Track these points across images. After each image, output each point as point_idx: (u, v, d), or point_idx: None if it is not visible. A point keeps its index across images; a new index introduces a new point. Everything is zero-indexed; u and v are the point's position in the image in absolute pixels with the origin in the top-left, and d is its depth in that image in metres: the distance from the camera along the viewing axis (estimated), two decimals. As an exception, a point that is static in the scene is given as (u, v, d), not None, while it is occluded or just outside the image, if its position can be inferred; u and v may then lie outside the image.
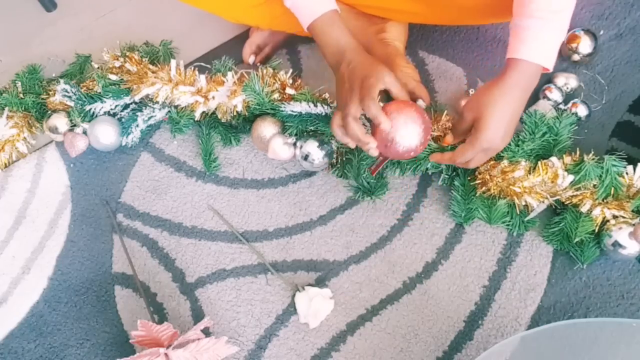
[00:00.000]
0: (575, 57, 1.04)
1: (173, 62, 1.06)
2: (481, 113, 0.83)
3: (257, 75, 1.01)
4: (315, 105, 0.97)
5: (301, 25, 0.92)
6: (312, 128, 0.99)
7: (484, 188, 0.93)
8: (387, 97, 0.87)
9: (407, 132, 0.83)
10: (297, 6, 0.91)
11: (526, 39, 0.82)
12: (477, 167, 0.92)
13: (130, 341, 0.89)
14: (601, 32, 1.08)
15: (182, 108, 1.05)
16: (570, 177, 0.88)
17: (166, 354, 0.86)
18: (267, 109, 1.01)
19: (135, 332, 0.87)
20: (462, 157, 0.86)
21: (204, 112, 1.05)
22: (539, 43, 0.82)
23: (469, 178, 0.94)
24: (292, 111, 0.98)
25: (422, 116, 0.85)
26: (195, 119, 1.05)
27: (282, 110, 0.99)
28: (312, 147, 0.97)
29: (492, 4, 0.94)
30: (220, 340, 0.88)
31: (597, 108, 1.02)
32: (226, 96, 1.02)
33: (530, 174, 0.90)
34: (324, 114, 0.97)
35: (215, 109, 1.04)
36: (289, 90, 1.01)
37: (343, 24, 0.91)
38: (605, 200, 0.89)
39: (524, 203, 0.91)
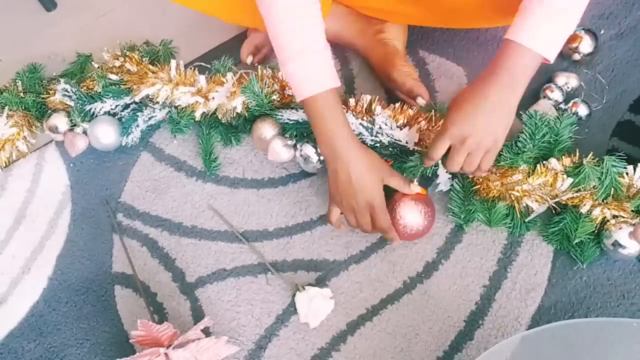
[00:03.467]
0: (576, 57, 1.04)
1: (173, 63, 1.06)
2: (462, 110, 0.80)
3: (256, 76, 1.00)
4: None
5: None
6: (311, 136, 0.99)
7: (483, 192, 0.93)
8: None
9: (413, 219, 0.90)
10: (294, 76, 0.83)
11: (531, 25, 0.78)
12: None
13: (130, 341, 0.89)
14: (602, 32, 1.08)
15: (182, 108, 1.05)
16: (570, 180, 0.88)
17: (166, 354, 0.86)
18: (267, 110, 1.01)
19: (135, 332, 0.87)
20: (433, 149, 0.83)
21: (204, 112, 1.05)
22: (543, 30, 0.78)
23: (467, 180, 0.94)
24: (289, 119, 0.98)
25: (423, 202, 0.91)
26: (196, 120, 1.05)
27: (280, 118, 0.99)
28: (311, 150, 0.97)
29: (490, 8, 0.93)
30: (220, 340, 0.88)
31: (598, 107, 1.02)
32: (226, 97, 1.02)
33: (529, 177, 0.90)
34: None
35: (216, 109, 1.04)
36: (289, 91, 1.01)
37: (340, 106, 0.84)
38: (605, 201, 0.88)
39: (524, 205, 0.91)
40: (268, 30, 0.84)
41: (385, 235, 0.90)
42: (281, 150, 0.99)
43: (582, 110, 0.99)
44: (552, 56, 0.80)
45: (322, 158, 0.97)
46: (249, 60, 1.11)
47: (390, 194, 0.90)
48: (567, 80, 1.02)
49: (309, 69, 0.82)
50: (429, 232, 0.93)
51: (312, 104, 0.83)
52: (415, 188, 0.90)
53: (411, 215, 0.90)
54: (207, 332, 0.92)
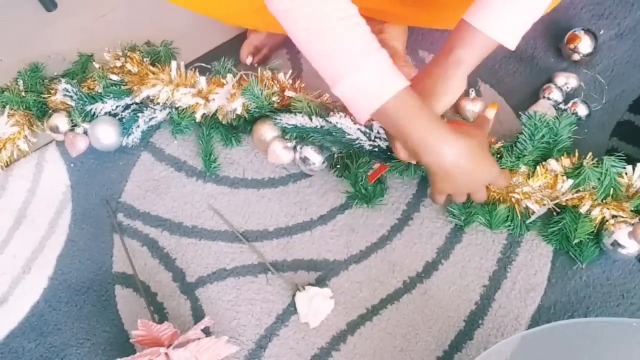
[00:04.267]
0: (576, 57, 1.04)
1: (174, 64, 1.06)
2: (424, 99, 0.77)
3: (256, 78, 1.00)
4: (310, 119, 0.97)
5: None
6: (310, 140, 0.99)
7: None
8: None
9: None
10: (355, 90, 0.72)
11: (486, 6, 0.74)
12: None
13: (130, 341, 0.89)
14: (601, 32, 1.08)
15: (182, 109, 1.05)
16: (570, 182, 0.88)
17: (166, 354, 0.86)
18: (267, 112, 1.01)
19: (136, 331, 0.87)
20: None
21: (204, 113, 1.05)
22: (501, 15, 0.75)
23: None
24: (288, 124, 0.98)
25: None
26: (196, 121, 1.05)
27: (278, 122, 0.99)
28: (311, 152, 0.97)
29: None
30: (220, 339, 0.88)
31: (597, 108, 1.02)
32: (226, 99, 1.02)
33: (529, 179, 0.90)
34: (319, 126, 0.97)
35: (216, 110, 1.04)
36: (289, 93, 1.01)
37: (417, 102, 0.74)
38: (604, 201, 0.89)
39: (524, 206, 0.91)
40: (313, 47, 0.73)
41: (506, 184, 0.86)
42: (281, 153, 0.99)
43: (582, 111, 0.99)
44: (509, 43, 0.77)
45: (322, 159, 0.98)
46: (249, 60, 1.11)
47: None
48: (567, 80, 1.02)
49: (382, 66, 0.72)
50: None
51: (398, 105, 0.72)
52: (490, 113, 0.86)
53: None
54: (207, 331, 0.92)
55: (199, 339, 0.88)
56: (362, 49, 0.72)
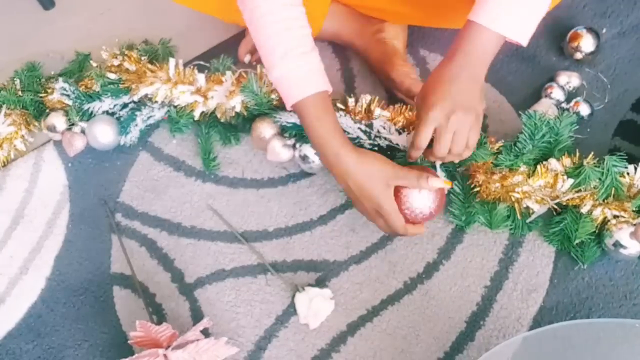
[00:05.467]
0: (578, 56, 1.04)
1: (172, 61, 1.05)
2: (430, 103, 0.78)
3: (255, 75, 1.00)
4: None
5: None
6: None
7: (483, 194, 0.92)
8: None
9: (422, 203, 0.85)
10: (280, 81, 0.81)
11: (490, 2, 0.75)
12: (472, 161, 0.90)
13: (128, 342, 0.89)
14: (604, 30, 1.07)
15: (181, 108, 1.05)
16: (570, 181, 0.88)
17: (165, 355, 0.85)
18: (266, 110, 1.01)
19: (134, 332, 0.87)
20: (419, 136, 0.81)
21: (203, 111, 1.04)
22: (505, 10, 0.75)
23: (467, 182, 0.94)
24: (287, 122, 0.98)
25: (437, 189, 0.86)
26: (195, 119, 1.05)
27: (278, 120, 0.98)
28: (310, 150, 0.97)
29: None
30: (219, 341, 0.87)
31: (600, 107, 1.01)
32: (224, 96, 1.01)
33: (529, 178, 0.89)
34: None
35: (215, 108, 1.04)
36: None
37: (331, 112, 0.82)
38: (605, 201, 0.88)
39: (524, 206, 0.91)
40: (253, 37, 0.83)
41: (409, 234, 0.86)
42: (280, 151, 0.99)
43: (584, 110, 0.99)
44: (520, 37, 0.77)
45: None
46: (247, 58, 1.10)
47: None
48: (569, 79, 1.02)
49: (294, 74, 0.80)
50: (440, 210, 0.89)
51: (301, 110, 0.81)
52: (436, 183, 0.83)
53: (419, 201, 0.85)
54: (206, 333, 0.91)
55: (198, 340, 0.87)
56: (284, 53, 0.80)
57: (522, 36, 0.78)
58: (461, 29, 0.78)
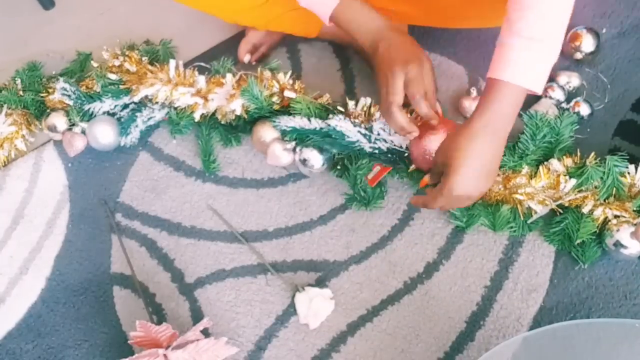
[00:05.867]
0: (578, 56, 1.04)
1: (172, 63, 1.05)
2: (449, 158, 0.78)
3: (255, 78, 1.00)
4: (310, 121, 0.96)
5: (319, 20, 0.89)
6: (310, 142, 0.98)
7: (486, 196, 0.92)
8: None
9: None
10: (312, 3, 0.88)
11: (511, 59, 0.76)
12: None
13: (128, 342, 0.89)
14: (604, 30, 1.07)
15: (181, 109, 1.05)
16: (573, 181, 0.88)
17: (165, 355, 0.85)
18: (266, 113, 1.01)
19: (134, 333, 0.87)
20: (434, 204, 0.82)
21: (203, 113, 1.04)
22: (525, 64, 0.76)
23: None
24: (287, 126, 0.98)
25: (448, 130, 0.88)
26: (195, 121, 1.05)
27: (277, 124, 0.98)
28: (311, 154, 0.97)
29: (489, 9, 0.93)
30: (219, 341, 0.87)
31: (600, 107, 1.01)
32: (225, 99, 1.01)
33: (532, 179, 0.89)
34: (318, 128, 0.97)
35: (215, 110, 1.04)
36: (288, 93, 1.00)
37: (365, 1, 0.88)
38: (606, 201, 0.88)
39: (526, 207, 0.91)
40: None
41: (415, 106, 0.86)
42: (281, 154, 0.99)
43: (584, 110, 0.99)
44: (538, 88, 0.78)
45: (322, 161, 0.97)
46: (247, 58, 1.10)
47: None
48: (569, 79, 1.02)
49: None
50: None
51: (342, 10, 0.87)
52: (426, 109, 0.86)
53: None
54: (206, 333, 0.91)
55: (197, 340, 0.87)
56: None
57: (537, 84, 0.78)
58: (484, 89, 0.79)
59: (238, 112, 1.01)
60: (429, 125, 0.88)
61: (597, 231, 0.89)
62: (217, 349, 0.87)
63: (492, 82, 0.78)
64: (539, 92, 0.79)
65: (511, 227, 0.92)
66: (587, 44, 1.02)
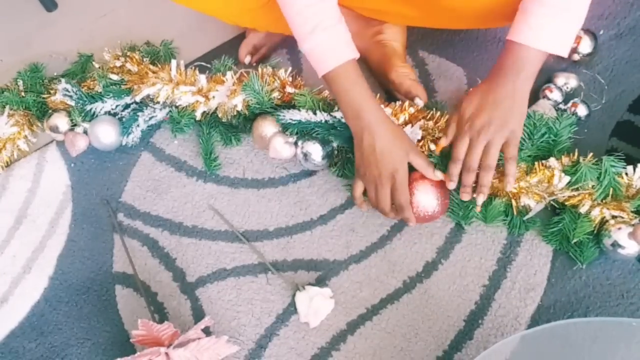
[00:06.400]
0: (575, 57, 1.04)
1: (173, 62, 1.06)
2: (465, 99, 0.84)
3: (256, 74, 1.01)
4: (315, 113, 0.97)
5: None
6: (313, 135, 0.99)
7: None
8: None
9: (427, 202, 0.90)
10: (316, 51, 0.85)
11: (531, 24, 0.79)
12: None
13: (130, 340, 0.90)
14: (601, 32, 1.08)
15: (182, 108, 1.05)
16: (567, 178, 0.88)
17: (167, 354, 0.86)
18: (267, 108, 1.02)
19: (136, 331, 0.88)
20: (458, 149, 0.85)
21: (204, 111, 1.05)
22: (545, 29, 0.79)
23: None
24: (292, 119, 0.98)
25: (439, 187, 0.90)
26: (196, 119, 1.05)
27: (281, 118, 0.99)
28: (312, 147, 0.97)
29: (487, 10, 0.93)
30: (220, 339, 0.88)
31: (597, 108, 1.02)
32: (226, 96, 1.02)
33: (527, 174, 0.90)
34: (323, 121, 0.97)
35: (216, 108, 1.04)
36: (289, 89, 1.01)
37: (363, 78, 0.86)
38: (604, 201, 0.89)
39: (522, 204, 0.91)
40: (283, 11, 0.86)
41: (401, 213, 0.88)
42: (282, 148, 0.99)
43: (582, 111, 0.99)
44: (560, 51, 0.81)
45: (324, 154, 0.98)
46: (247, 60, 1.11)
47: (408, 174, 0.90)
48: (567, 80, 1.02)
49: (324, 45, 0.84)
50: (440, 217, 0.93)
51: (334, 79, 0.85)
52: (439, 175, 0.89)
53: (427, 198, 0.90)
54: (207, 331, 0.92)
55: (199, 338, 0.88)
56: (312, 27, 0.83)
57: (563, 49, 0.81)
58: (503, 49, 0.82)
59: (239, 108, 1.02)
60: (414, 177, 0.91)
61: (595, 231, 0.89)
62: (218, 347, 0.88)
63: (510, 44, 0.81)
64: (564, 54, 0.81)
65: (503, 221, 0.92)
66: (585, 45, 1.03)
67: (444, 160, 0.91)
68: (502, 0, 0.87)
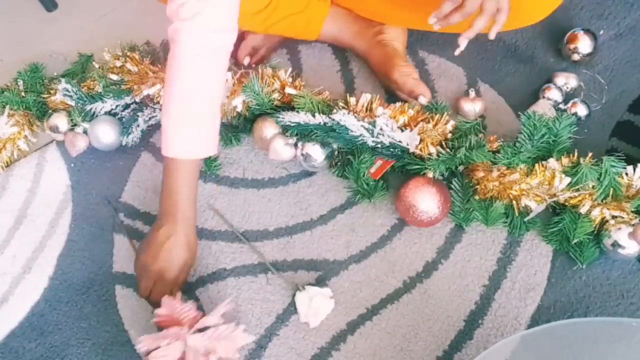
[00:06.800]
0: (575, 57, 1.04)
1: None
2: None
3: (256, 75, 1.01)
4: (314, 116, 0.97)
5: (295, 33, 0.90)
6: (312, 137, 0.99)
7: (481, 192, 0.93)
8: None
9: (428, 207, 0.91)
10: (166, 131, 0.87)
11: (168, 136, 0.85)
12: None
13: (152, 321, 0.89)
14: (601, 32, 1.08)
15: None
16: (567, 180, 0.88)
17: (184, 338, 0.85)
18: (267, 109, 1.02)
19: (159, 310, 0.87)
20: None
21: (204, 111, 1.05)
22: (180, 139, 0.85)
23: (466, 181, 0.95)
24: (291, 122, 0.98)
25: (440, 191, 0.92)
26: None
27: (280, 120, 0.99)
28: (312, 149, 0.98)
29: None
30: (238, 327, 0.87)
31: (597, 108, 1.02)
32: (226, 96, 1.02)
33: (527, 176, 0.90)
34: (322, 123, 0.97)
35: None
36: (289, 90, 1.01)
37: (196, 175, 0.90)
38: (604, 201, 0.89)
39: (523, 205, 0.91)
40: (167, 68, 0.86)
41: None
42: (282, 150, 0.99)
43: (582, 111, 0.99)
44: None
45: (324, 155, 0.98)
46: (246, 61, 1.11)
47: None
48: (567, 80, 1.02)
49: (184, 134, 0.86)
50: (440, 221, 0.94)
51: (174, 165, 0.87)
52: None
53: (427, 202, 0.91)
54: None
55: (217, 325, 0.87)
56: (185, 110, 0.86)
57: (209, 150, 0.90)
58: None
59: (239, 109, 1.02)
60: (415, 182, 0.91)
61: (595, 232, 0.89)
62: (234, 336, 0.87)
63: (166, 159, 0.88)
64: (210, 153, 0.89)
65: (504, 223, 0.92)
66: (585, 45, 1.03)
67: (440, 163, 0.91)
68: None
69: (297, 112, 0.99)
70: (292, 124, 0.98)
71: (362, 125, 0.96)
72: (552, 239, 0.91)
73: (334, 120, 0.96)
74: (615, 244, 0.87)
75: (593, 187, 0.88)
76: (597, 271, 0.90)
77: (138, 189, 1.06)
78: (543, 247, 0.92)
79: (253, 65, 1.11)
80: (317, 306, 0.90)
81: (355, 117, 0.96)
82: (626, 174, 0.88)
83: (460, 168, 0.95)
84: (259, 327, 0.92)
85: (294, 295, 0.92)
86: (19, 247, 1.04)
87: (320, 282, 0.94)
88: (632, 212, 0.88)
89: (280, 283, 0.95)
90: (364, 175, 0.96)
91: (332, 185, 1.01)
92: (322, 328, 0.91)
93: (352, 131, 0.95)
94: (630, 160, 0.89)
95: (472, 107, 1.01)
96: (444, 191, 0.92)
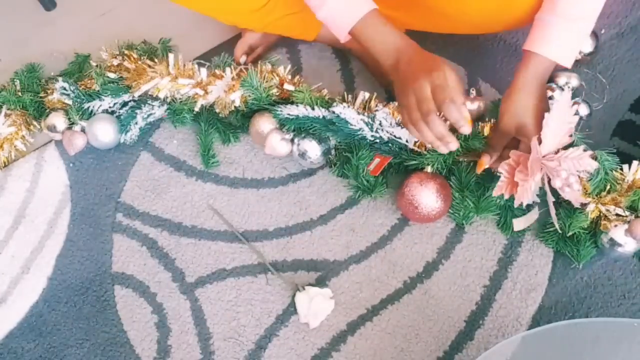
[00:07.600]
0: (577, 56, 1.04)
1: (171, 56, 1.05)
2: (523, 118, 0.85)
3: (255, 70, 1.00)
4: (313, 108, 0.97)
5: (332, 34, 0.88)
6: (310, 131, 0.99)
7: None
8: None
9: (429, 202, 0.91)
10: (333, 14, 0.86)
11: (550, 36, 0.84)
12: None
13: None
14: (602, 31, 1.08)
15: (181, 101, 1.05)
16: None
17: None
18: (265, 105, 1.01)
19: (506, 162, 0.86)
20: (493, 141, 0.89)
21: (203, 104, 1.04)
22: (560, 41, 0.84)
23: (465, 174, 0.94)
24: (290, 114, 0.98)
25: (441, 187, 0.92)
26: (195, 110, 1.05)
27: (279, 114, 0.99)
28: (309, 145, 0.97)
29: (483, 16, 0.93)
30: (585, 153, 0.84)
31: (599, 107, 1.02)
32: (224, 91, 1.02)
33: None
34: (321, 117, 0.97)
35: (214, 102, 1.04)
36: (288, 86, 1.01)
37: (387, 22, 0.86)
38: (599, 196, 0.88)
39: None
40: None
41: (455, 125, 0.81)
42: (278, 145, 0.99)
43: (583, 110, 0.99)
44: (569, 64, 0.86)
45: (320, 152, 0.98)
46: (243, 59, 1.10)
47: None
48: (568, 79, 1.02)
49: (338, 8, 0.85)
50: (442, 217, 0.94)
51: (361, 29, 0.85)
52: (466, 130, 0.81)
53: (429, 198, 0.90)
54: (206, 330, 0.91)
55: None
56: None
57: (570, 62, 0.87)
58: (522, 60, 0.86)
59: (237, 104, 1.02)
60: (414, 178, 0.92)
61: (592, 230, 0.89)
62: (581, 158, 0.84)
63: (527, 54, 0.85)
64: (569, 65, 0.87)
65: (497, 214, 0.92)
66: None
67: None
68: (496, 6, 0.87)
69: (296, 105, 0.98)
70: (291, 117, 0.98)
71: (361, 119, 0.95)
72: (548, 239, 0.91)
73: (333, 113, 0.96)
74: (612, 242, 0.87)
75: (588, 180, 0.88)
76: (598, 271, 0.90)
77: (137, 188, 1.06)
78: (544, 247, 0.92)
79: (249, 64, 1.10)
80: (317, 307, 0.90)
81: (355, 110, 0.96)
82: (621, 169, 0.88)
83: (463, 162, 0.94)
84: (259, 327, 0.92)
85: (293, 296, 0.92)
86: (18, 247, 1.03)
87: (320, 283, 0.94)
88: (627, 208, 0.87)
89: (280, 283, 0.95)
90: (363, 172, 0.96)
91: (332, 185, 1.01)
92: (322, 329, 0.90)
93: (351, 124, 0.95)
94: (628, 159, 0.89)
95: (471, 106, 1.01)
96: (444, 185, 0.91)
